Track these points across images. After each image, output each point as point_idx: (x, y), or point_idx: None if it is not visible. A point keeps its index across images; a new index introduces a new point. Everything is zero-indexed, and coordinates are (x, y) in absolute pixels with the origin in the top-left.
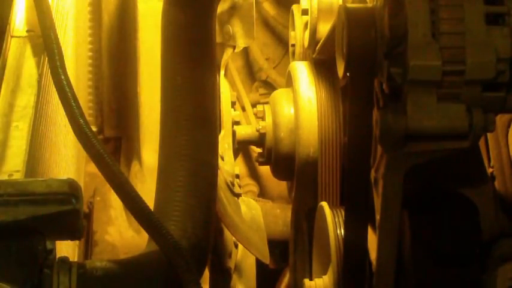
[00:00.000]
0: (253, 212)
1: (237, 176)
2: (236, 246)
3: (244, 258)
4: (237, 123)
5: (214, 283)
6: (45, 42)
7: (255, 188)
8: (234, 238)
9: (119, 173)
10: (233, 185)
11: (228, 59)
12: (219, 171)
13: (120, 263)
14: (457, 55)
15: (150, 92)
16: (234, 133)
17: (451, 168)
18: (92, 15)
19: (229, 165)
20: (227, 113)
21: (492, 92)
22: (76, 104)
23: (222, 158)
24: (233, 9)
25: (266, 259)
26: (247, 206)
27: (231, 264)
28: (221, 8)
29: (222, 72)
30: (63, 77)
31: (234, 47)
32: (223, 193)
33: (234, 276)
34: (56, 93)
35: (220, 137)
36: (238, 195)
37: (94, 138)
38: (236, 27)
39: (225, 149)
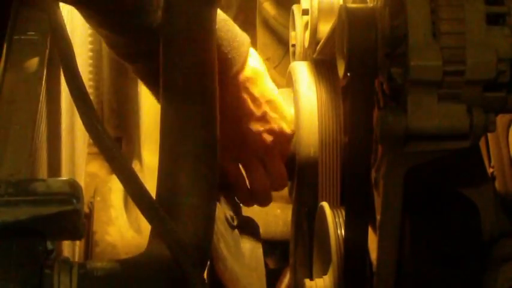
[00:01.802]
0: (252, 239)
1: None
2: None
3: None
4: None
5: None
6: (57, 39)
7: None
8: None
9: (128, 167)
10: (232, 218)
11: None
12: (217, 204)
13: (120, 263)
14: (458, 55)
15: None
16: None
17: (451, 168)
18: None
19: None
20: None
21: (493, 92)
22: (87, 98)
23: None
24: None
25: None
26: (246, 231)
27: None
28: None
29: None
30: (74, 71)
31: None
32: (220, 230)
33: None
34: (57, 94)
35: None
36: (236, 227)
37: (104, 133)
38: None
39: None
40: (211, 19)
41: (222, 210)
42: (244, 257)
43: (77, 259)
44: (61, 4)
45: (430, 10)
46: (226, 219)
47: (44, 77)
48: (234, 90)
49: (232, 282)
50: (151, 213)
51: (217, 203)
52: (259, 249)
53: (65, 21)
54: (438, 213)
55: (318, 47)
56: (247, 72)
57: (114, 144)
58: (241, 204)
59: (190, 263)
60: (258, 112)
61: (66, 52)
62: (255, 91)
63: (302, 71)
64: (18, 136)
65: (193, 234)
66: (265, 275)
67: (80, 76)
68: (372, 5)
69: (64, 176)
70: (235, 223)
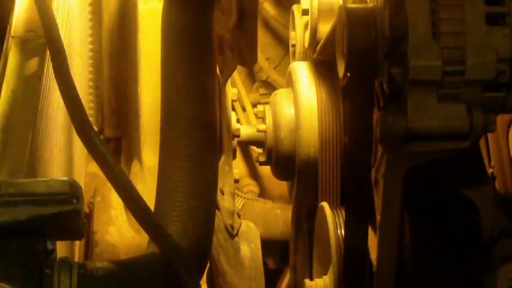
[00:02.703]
0: (252, 246)
1: (237, 181)
2: None
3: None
4: (237, 135)
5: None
6: (48, 41)
7: (255, 188)
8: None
9: (120, 172)
10: (232, 227)
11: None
12: (217, 212)
13: (120, 263)
14: (458, 55)
15: (150, 92)
16: (234, 151)
17: (451, 168)
18: (93, 15)
19: (228, 200)
20: (229, 137)
21: (492, 92)
22: (78, 103)
23: (222, 192)
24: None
25: None
26: (246, 238)
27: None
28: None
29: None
30: (65, 74)
31: None
32: (220, 242)
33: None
34: (57, 94)
35: (220, 163)
36: (233, 236)
37: (96, 138)
38: None
39: (225, 181)
40: (210, 20)
41: (222, 220)
42: (243, 266)
43: (76, 259)
44: (59, 3)
45: (430, 10)
46: (226, 228)
47: (44, 77)
48: None
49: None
50: (145, 220)
51: (217, 211)
52: (258, 257)
53: (63, 22)
54: (438, 213)
55: (318, 47)
56: None
57: (107, 151)
58: (240, 210)
59: (185, 269)
60: None
61: (58, 57)
62: None
63: (302, 71)
64: (18, 136)
65: (193, 234)
66: (264, 283)
67: (71, 78)
68: (371, 5)
69: (63, 176)
70: (234, 232)
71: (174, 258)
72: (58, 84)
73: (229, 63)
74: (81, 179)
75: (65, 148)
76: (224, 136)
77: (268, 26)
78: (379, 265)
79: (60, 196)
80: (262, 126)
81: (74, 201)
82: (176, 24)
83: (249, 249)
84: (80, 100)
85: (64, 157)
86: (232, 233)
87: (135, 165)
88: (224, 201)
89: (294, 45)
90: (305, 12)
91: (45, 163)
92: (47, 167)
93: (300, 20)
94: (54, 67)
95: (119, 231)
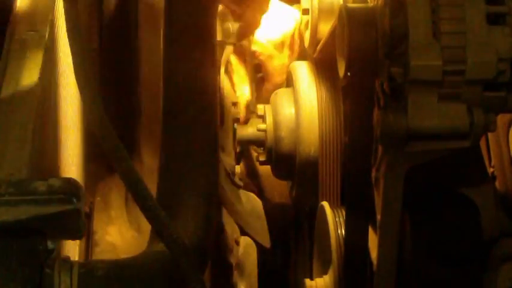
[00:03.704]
0: (254, 203)
1: None
2: (237, 243)
3: (246, 256)
4: (236, 120)
5: (215, 279)
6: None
7: (255, 188)
8: (235, 236)
9: (131, 167)
10: (234, 174)
11: (228, 56)
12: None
13: (121, 262)
14: (458, 55)
15: (150, 92)
16: (234, 131)
17: (451, 168)
18: (92, 15)
19: (229, 156)
20: (228, 108)
21: (493, 91)
22: (96, 94)
23: (223, 149)
24: None
25: (267, 243)
26: (248, 199)
27: (232, 260)
28: (221, 5)
29: (223, 70)
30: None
31: (234, 45)
32: (223, 182)
33: (236, 274)
34: (57, 93)
35: (222, 129)
36: (238, 187)
37: (111, 132)
38: (236, 25)
39: (225, 141)
40: (213, 15)
41: (224, 168)
42: (245, 207)
43: (77, 259)
44: (59, 3)
45: (431, 10)
46: (229, 176)
47: (44, 77)
48: None
49: (232, 211)
50: (152, 215)
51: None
52: (261, 211)
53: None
54: (439, 213)
55: (318, 47)
56: None
57: (120, 144)
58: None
59: (190, 264)
60: None
61: (80, 51)
62: None
63: (302, 71)
64: (18, 136)
65: (193, 234)
66: (267, 227)
67: (91, 70)
68: (372, 4)
69: (63, 176)
70: (238, 183)
71: (179, 254)
72: (77, 82)
73: (229, 35)
74: (81, 179)
75: (65, 148)
76: (224, 109)
77: None
78: (379, 265)
79: (60, 196)
80: (262, 126)
81: (74, 200)
82: (178, 21)
83: (250, 204)
84: (99, 96)
85: (64, 157)
86: (234, 181)
87: (134, 165)
88: (225, 156)
89: None
90: (305, 11)
91: (45, 163)
92: (47, 167)
93: (300, 20)
94: (74, 63)
95: (119, 231)
